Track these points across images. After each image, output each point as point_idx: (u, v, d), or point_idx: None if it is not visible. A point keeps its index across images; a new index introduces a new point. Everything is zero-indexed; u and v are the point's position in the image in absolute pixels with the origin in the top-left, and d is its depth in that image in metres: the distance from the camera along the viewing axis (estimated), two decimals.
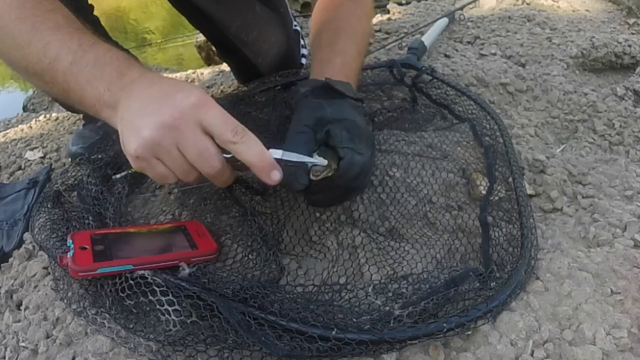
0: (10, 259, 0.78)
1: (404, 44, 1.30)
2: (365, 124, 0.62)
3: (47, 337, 0.61)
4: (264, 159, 0.51)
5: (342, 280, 0.60)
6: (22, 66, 0.56)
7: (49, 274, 0.70)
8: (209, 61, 1.81)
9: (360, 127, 0.59)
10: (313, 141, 0.58)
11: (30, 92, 2.08)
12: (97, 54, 0.54)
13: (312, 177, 0.54)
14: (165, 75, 0.57)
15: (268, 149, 0.52)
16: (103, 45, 0.55)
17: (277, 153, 0.52)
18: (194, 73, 1.55)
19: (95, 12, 1.01)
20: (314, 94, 0.63)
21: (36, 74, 0.56)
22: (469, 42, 1.36)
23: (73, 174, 0.79)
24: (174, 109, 0.49)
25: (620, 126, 1.00)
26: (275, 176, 0.52)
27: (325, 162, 0.54)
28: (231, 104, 0.91)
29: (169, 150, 0.50)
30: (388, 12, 1.77)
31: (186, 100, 0.49)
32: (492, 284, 0.57)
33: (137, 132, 0.50)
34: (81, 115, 1.19)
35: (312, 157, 0.55)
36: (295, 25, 1.09)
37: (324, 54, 0.71)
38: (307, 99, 0.64)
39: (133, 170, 0.71)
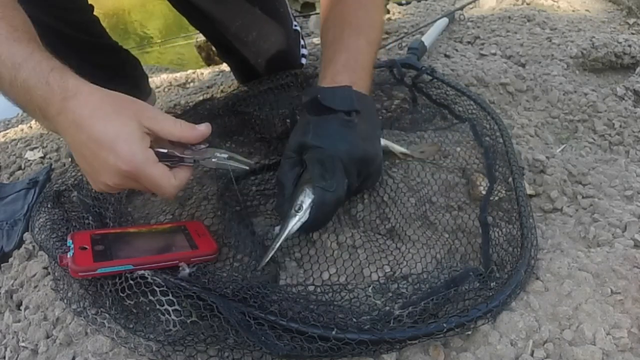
0: (10, 259, 0.78)
1: (404, 44, 1.30)
2: (351, 143, 0.59)
3: (47, 337, 0.61)
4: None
5: (342, 280, 0.60)
6: None
7: (49, 274, 0.70)
8: (209, 61, 1.81)
9: (337, 155, 0.58)
10: (298, 165, 0.61)
11: None
12: (26, 77, 0.52)
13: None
14: (98, 92, 0.53)
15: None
16: (31, 62, 0.52)
17: (211, 163, 0.59)
18: (194, 73, 1.55)
19: (95, 12, 1.01)
20: (308, 107, 0.63)
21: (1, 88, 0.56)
22: (469, 42, 1.36)
23: (73, 174, 0.79)
24: (111, 177, 0.52)
25: (620, 126, 1.00)
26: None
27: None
28: (231, 104, 0.91)
29: (127, 187, 0.57)
30: (388, 12, 1.77)
31: (118, 169, 0.51)
32: (492, 284, 0.57)
33: (92, 180, 0.56)
34: None
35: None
36: (295, 26, 1.09)
37: (329, 53, 0.70)
38: (302, 114, 0.65)
39: None
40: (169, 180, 0.54)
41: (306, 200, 0.57)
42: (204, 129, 0.57)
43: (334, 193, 0.58)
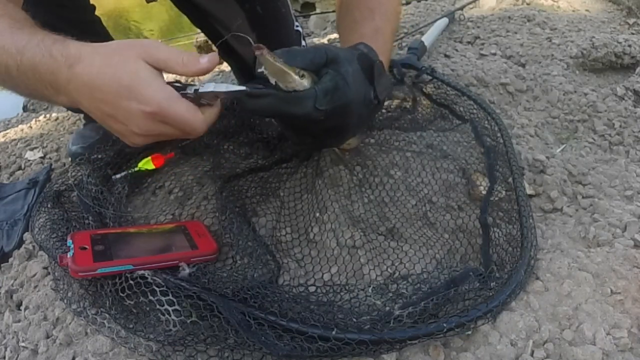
0: (10, 259, 0.78)
1: (404, 44, 1.30)
2: (358, 86, 0.57)
3: (47, 337, 0.61)
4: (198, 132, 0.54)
5: (342, 281, 0.60)
6: None
7: (49, 274, 0.70)
8: None
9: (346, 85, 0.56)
10: (313, 56, 0.57)
11: None
12: (31, 56, 0.52)
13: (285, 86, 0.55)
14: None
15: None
16: (34, 40, 0.53)
17: (209, 86, 0.54)
18: None
19: (97, 12, 1.01)
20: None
21: (3, 82, 0.57)
22: (469, 42, 1.36)
23: (73, 174, 0.79)
24: (139, 124, 0.50)
25: (620, 126, 1.00)
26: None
27: (260, 87, 0.54)
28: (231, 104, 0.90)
29: (159, 133, 0.52)
30: None
31: (142, 112, 0.49)
32: (492, 284, 0.57)
33: (125, 135, 0.53)
34: (81, 115, 1.19)
35: (246, 86, 0.55)
36: (297, 26, 1.09)
37: (348, 34, 0.70)
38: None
39: (133, 170, 0.71)
40: (196, 114, 0.52)
41: (305, 82, 0.54)
42: (209, 59, 0.54)
43: (318, 112, 0.54)
